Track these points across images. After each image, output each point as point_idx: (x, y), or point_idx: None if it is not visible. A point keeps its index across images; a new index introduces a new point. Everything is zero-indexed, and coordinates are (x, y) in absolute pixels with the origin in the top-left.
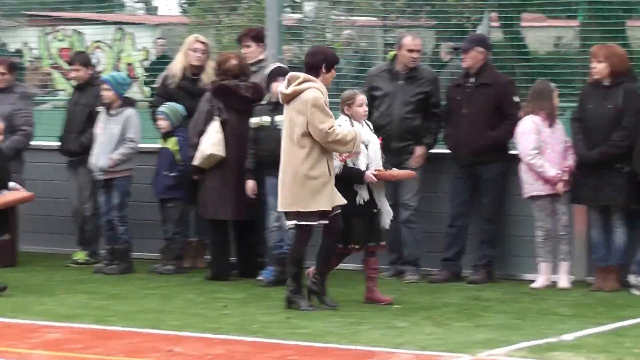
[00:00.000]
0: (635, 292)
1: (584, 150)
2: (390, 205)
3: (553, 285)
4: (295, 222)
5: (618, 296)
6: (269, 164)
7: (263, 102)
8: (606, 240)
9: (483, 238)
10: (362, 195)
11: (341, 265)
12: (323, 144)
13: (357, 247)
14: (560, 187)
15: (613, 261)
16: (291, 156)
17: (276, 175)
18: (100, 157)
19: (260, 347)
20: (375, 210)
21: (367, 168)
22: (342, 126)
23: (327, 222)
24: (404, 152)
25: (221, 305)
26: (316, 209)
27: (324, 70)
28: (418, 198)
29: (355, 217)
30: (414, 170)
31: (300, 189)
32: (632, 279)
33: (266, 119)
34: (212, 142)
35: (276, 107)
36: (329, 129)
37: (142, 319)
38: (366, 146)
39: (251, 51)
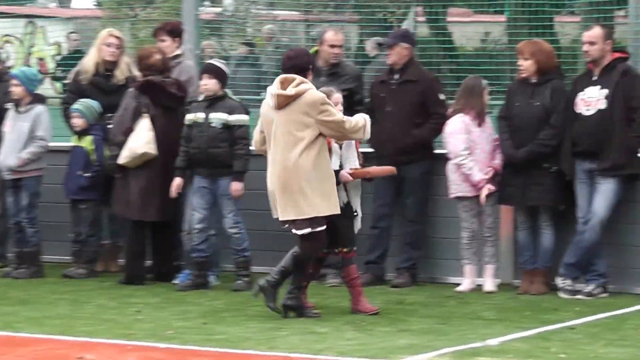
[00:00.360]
0: (562, 295)
1: (511, 150)
2: None
3: (479, 288)
4: (309, 230)
5: (545, 300)
6: (199, 163)
7: (200, 98)
8: (533, 242)
9: (407, 240)
10: (341, 198)
11: (256, 268)
12: (340, 136)
13: (345, 250)
14: (483, 196)
15: (540, 264)
16: (296, 161)
17: (204, 175)
18: (9, 156)
19: (175, 353)
20: (355, 213)
21: (341, 167)
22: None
23: (324, 227)
24: None
25: (134, 310)
26: (333, 212)
27: (311, 72)
28: None
29: (339, 219)
30: None
31: (314, 193)
32: (559, 282)
33: (200, 115)
34: (145, 140)
35: (211, 104)
36: (343, 119)
37: (52, 324)
38: (340, 145)
39: (166, 46)
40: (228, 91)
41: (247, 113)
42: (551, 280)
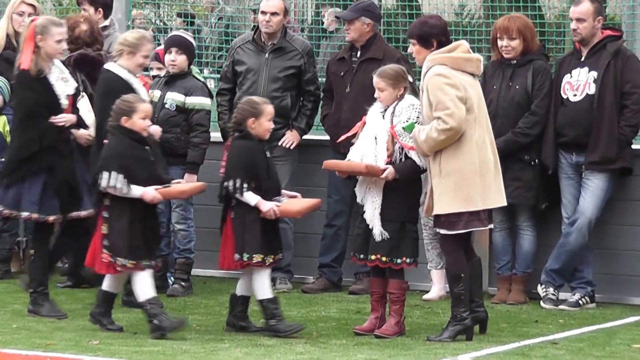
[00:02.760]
0: (544, 305)
1: None
2: None
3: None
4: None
5: (524, 310)
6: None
7: (162, 74)
8: (511, 245)
9: None
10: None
11: (198, 271)
12: None
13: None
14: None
15: (519, 269)
16: None
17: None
18: None
19: None
20: None
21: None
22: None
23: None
24: (271, 138)
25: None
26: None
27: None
28: None
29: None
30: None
31: None
32: (541, 290)
33: (157, 93)
34: (88, 122)
35: (170, 82)
36: None
37: None
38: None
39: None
40: (194, 68)
41: (211, 96)
42: (531, 289)
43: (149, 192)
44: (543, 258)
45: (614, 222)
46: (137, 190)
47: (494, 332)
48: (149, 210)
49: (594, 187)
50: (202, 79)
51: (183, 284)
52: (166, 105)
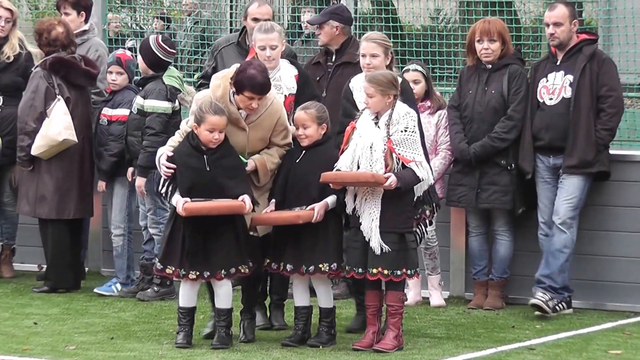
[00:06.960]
0: (550, 313)
1: (462, 144)
2: None
3: (426, 301)
4: None
5: (500, 316)
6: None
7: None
8: (488, 250)
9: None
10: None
11: None
12: None
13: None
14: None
15: (495, 275)
16: None
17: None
18: None
19: None
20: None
21: None
22: None
23: None
24: None
25: (31, 322)
26: None
27: None
28: None
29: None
30: None
31: None
32: (539, 296)
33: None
34: (63, 125)
35: (141, 84)
36: None
37: None
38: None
39: (71, 20)
40: (174, 71)
41: (170, 100)
42: (508, 294)
43: (179, 202)
44: (519, 263)
45: (591, 227)
46: (173, 199)
47: (470, 338)
48: (209, 221)
49: (569, 185)
50: (173, 83)
51: (155, 288)
52: (132, 108)
